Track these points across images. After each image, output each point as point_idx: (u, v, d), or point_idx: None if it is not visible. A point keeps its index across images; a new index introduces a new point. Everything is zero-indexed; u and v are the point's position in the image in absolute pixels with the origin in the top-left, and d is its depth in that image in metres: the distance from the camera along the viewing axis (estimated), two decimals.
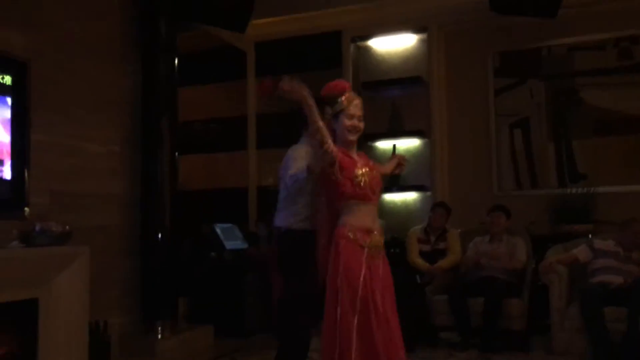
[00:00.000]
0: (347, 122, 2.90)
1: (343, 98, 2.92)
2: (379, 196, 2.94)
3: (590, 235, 5.03)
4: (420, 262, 5.07)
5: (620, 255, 4.53)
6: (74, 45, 4.31)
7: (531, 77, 5.98)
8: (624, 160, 5.60)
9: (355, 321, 2.67)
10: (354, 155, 2.93)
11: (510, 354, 4.50)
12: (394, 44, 6.45)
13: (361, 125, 2.95)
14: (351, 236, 2.77)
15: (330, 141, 2.73)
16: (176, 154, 4.99)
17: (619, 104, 5.64)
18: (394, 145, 3.02)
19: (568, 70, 5.86)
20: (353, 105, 2.94)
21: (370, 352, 2.66)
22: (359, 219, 2.81)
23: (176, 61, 5.03)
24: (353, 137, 2.93)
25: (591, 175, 5.68)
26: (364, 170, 2.84)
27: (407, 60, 6.39)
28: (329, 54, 6.45)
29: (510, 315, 4.59)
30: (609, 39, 5.72)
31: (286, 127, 6.59)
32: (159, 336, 4.56)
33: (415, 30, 6.30)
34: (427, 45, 6.24)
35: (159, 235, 4.77)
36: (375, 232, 2.85)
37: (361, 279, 2.71)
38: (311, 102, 2.72)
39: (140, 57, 4.90)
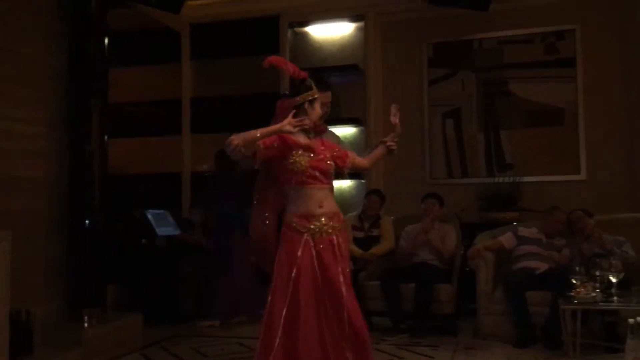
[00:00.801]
0: (320, 110, 2.85)
1: (313, 85, 2.86)
2: (328, 179, 2.81)
3: (515, 223, 5.24)
4: (353, 248, 5.12)
5: (543, 242, 4.74)
6: (1, 21, 4.06)
7: (463, 69, 6.14)
8: (549, 151, 5.85)
9: (284, 313, 2.60)
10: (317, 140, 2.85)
11: (438, 337, 4.63)
12: (332, 32, 6.46)
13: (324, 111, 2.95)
14: (291, 223, 2.72)
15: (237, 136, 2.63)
16: (106, 136, 4.81)
17: (544, 96, 5.88)
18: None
19: (498, 62, 6.05)
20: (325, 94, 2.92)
21: (291, 350, 2.57)
22: (298, 205, 2.74)
23: (107, 40, 4.83)
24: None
25: (518, 165, 5.91)
26: (300, 153, 2.73)
27: (344, 48, 6.42)
28: (266, 38, 6.39)
29: (440, 300, 4.72)
30: (536, 33, 5.95)
31: (222, 112, 6.56)
32: (85, 325, 4.42)
33: (353, 18, 6.34)
34: (364, 34, 6.28)
35: (87, 221, 4.61)
36: (323, 217, 2.73)
37: (294, 270, 2.64)
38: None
39: (68, 34, 4.69)
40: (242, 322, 5.23)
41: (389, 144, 3.03)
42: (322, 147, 2.84)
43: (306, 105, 2.80)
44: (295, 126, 2.64)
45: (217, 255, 5.37)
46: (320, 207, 2.75)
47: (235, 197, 5.26)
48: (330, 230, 2.74)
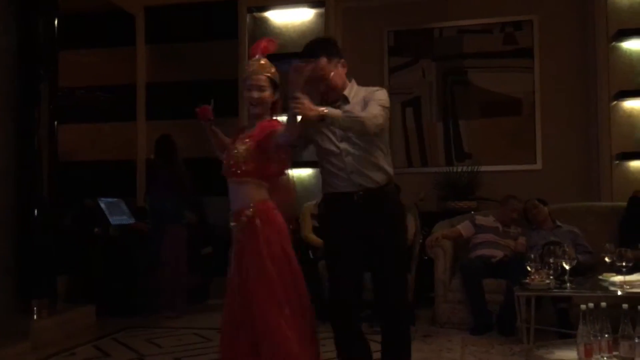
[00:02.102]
0: (246, 94, 2.67)
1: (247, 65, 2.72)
2: (247, 171, 2.56)
3: (473, 212, 5.29)
4: (313, 237, 5.08)
5: (500, 231, 4.80)
6: None
7: (424, 57, 6.14)
8: (506, 141, 5.92)
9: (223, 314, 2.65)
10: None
11: None
12: (291, 17, 6.36)
13: (256, 95, 2.64)
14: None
15: None
16: (56, 122, 4.64)
17: (503, 86, 5.94)
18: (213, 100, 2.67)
19: (457, 52, 6.07)
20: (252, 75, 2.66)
21: (223, 343, 2.61)
22: (231, 201, 2.64)
23: (57, 21, 4.64)
24: (253, 110, 2.68)
25: (476, 155, 5.96)
26: (232, 147, 2.63)
27: (305, 34, 6.31)
28: (225, 23, 6.25)
29: None
30: (495, 23, 5.98)
31: (178, 98, 6.41)
32: (35, 316, 4.28)
33: (313, 4, 6.25)
34: (324, 21, 6.21)
35: (36, 210, 4.44)
36: (244, 213, 2.56)
37: (231, 265, 2.61)
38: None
39: (16, 14, 4.48)
40: (169, 316, 5.08)
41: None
42: (246, 136, 2.64)
43: None
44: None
45: (149, 246, 5.22)
46: (237, 202, 2.61)
47: (172, 187, 5.14)
48: (245, 222, 2.56)
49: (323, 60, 2.76)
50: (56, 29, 4.64)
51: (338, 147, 2.67)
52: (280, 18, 6.38)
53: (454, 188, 5.73)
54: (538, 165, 5.83)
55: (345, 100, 2.75)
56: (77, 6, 5.83)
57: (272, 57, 5.60)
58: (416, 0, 5.85)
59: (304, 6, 6.28)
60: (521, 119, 5.91)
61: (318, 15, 6.28)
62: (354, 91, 2.82)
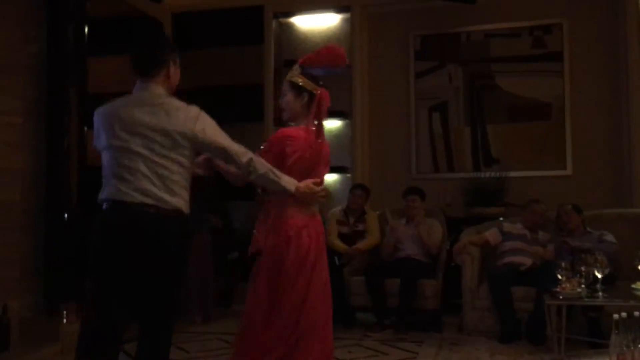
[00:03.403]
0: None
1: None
2: None
3: (501, 218, 5.21)
4: (338, 243, 5.07)
5: (527, 238, 4.72)
6: None
7: (450, 62, 6.08)
8: (535, 146, 5.82)
9: None
10: None
11: (423, 333, 4.59)
12: (317, 23, 6.37)
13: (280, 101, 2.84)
14: None
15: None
16: (85, 127, 4.69)
17: (531, 91, 5.85)
18: None
19: (485, 56, 6.00)
20: None
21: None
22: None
23: (86, 28, 4.71)
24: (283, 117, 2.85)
25: (504, 160, 5.87)
26: None
27: (330, 39, 6.31)
28: (251, 29, 6.29)
29: (425, 295, 4.67)
30: (524, 27, 5.90)
31: (204, 103, 6.44)
32: (64, 320, 4.32)
33: (338, 9, 6.25)
34: (350, 25, 6.20)
35: (65, 213, 4.50)
36: None
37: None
38: None
39: (46, 21, 4.56)
40: (194, 321, 5.10)
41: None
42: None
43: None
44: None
45: None
46: None
47: (195, 192, 5.16)
48: None
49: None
50: (85, 35, 4.71)
51: None
52: (306, 23, 6.40)
53: (482, 194, 5.65)
54: (568, 171, 5.72)
55: None
56: (106, 13, 5.91)
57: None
58: (443, 4, 5.78)
59: (329, 11, 6.28)
60: (550, 124, 5.81)
61: (344, 21, 6.28)
62: None
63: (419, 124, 6.15)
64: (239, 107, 6.09)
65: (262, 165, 2.44)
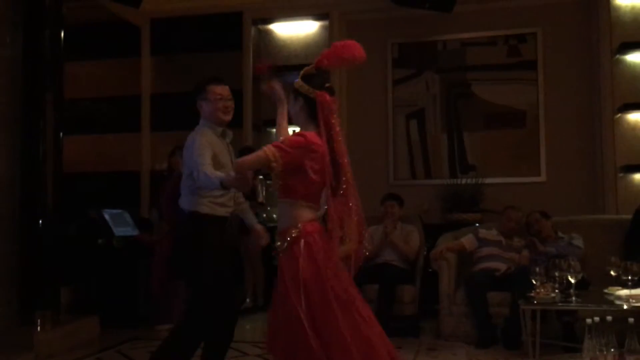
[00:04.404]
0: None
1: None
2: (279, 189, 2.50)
3: (477, 224, 5.27)
4: None
5: (503, 244, 4.78)
6: None
7: (427, 70, 6.15)
8: (510, 153, 5.91)
9: None
10: None
11: (401, 338, 4.60)
12: (296, 30, 6.39)
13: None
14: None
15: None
16: (61, 133, 4.65)
17: (506, 98, 5.94)
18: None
19: (461, 64, 6.08)
20: None
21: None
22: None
23: (62, 33, 4.67)
24: None
25: (480, 167, 5.95)
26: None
27: (309, 46, 6.36)
28: (229, 35, 6.28)
29: (403, 300, 4.70)
30: (499, 36, 6.00)
31: (182, 109, 6.41)
32: (38, 328, 4.26)
33: (317, 16, 6.28)
34: (329, 33, 6.23)
35: (40, 220, 4.44)
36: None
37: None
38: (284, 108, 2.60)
39: (22, 26, 4.51)
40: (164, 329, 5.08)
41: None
42: None
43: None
44: None
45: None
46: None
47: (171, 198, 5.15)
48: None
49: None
50: (62, 40, 4.67)
51: None
52: (285, 30, 6.42)
53: (458, 200, 5.72)
54: (542, 178, 5.82)
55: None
56: (83, 18, 5.87)
57: (277, 69, 5.65)
58: (420, 13, 5.85)
59: (308, 18, 6.31)
60: (525, 131, 5.90)
61: (322, 28, 6.32)
62: None
63: (396, 131, 6.20)
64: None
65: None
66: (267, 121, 6.17)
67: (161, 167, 6.34)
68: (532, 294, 3.68)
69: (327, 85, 2.49)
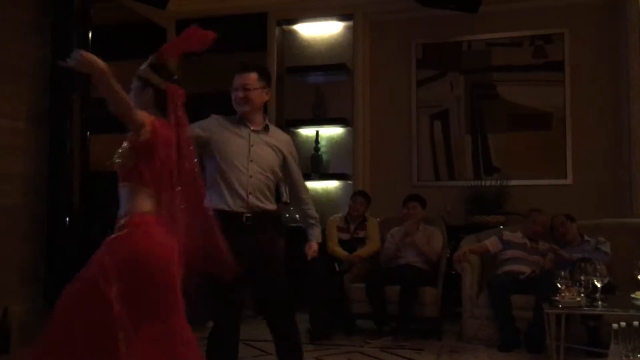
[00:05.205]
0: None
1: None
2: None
3: (501, 227, 5.22)
4: (338, 250, 5.08)
5: (527, 247, 4.73)
6: None
7: (452, 70, 6.11)
8: (535, 155, 5.83)
9: None
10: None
11: (423, 340, 4.59)
12: (320, 30, 6.40)
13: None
14: None
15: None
16: (88, 132, 4.72)
17: (532, 100, 5.87)
18: None
19: (486, 65, 6.02)
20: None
21: None
22: None
23: (90, 34, 4.74)
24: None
25: (504, 169, 5.89)
26: None
27: (333, 47, 6.36)
28: (254, 36, 6.32)
29: (425, 302, 4.68)
30: (525, 36, 5.93)
31: (206, 109, 6.47)
32: None
33: (341, 17, 6.28)
34: (353, 33, 6.23)
35: (67, 218, 4.51)
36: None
37: None
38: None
39: (51, 28, 4.59)
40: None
41: None
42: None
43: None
44: None
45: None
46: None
47: None
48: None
49: (254, 75, 2.96)
50: (89, 41, 4.74)
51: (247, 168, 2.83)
52: (309, 31, 6.43)
53: (482, 202, 5.67)
54: (568, 180, 5.73)
55: (267, 129, 2.99)
56: (110, 19, 5.95)
57: (301, 70, 5.66)
58: (444, 13, 5.81)
59: (332, 19, 6.31)
60: (551, 133, 5.82)
61: (346, 28, 6.31)
62: (273, 128, 3.07)
63: (420, 132, 6.17)
64: None
65: None
66: (289, 121, 6.19)
67: None
68: (557, 298, 3.63)
69: (174, 77, 2.47)
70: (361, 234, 5.19)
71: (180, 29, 6.50)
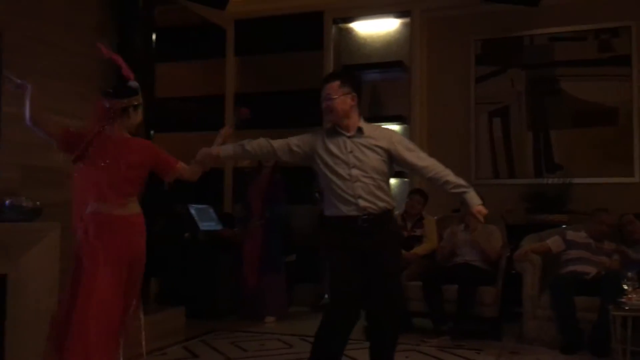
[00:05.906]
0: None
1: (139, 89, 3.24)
2: None
3: (564, 226, 5.08)
4: None
5: (592, 247, 4.59)
6: (48, 15, 4.16)
7: (512, 66, 5.99)
8: (601, 152, 5.65)
9: None
10: None
11: (481, 341, 4.53)
12: (376, 28, 6.39)
13: None
14: None
15: None
16: (152, 131, 4.88)
17: (597, 95, 5.69)
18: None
19: (548, 60, 5.87)
20: None
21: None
22: None
23: (154, 35, 4.90)
24: None
25: (567, 166, 5.73)
26: None
27: (389, 44, 6.34)
28: (311, 34, 6.37)
29: (483, 302, 4.61)
30: (589, 30, 5.75)
31: (264, 109, 6.58)
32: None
33: (398, 14, 6.25)
34: (410, 30, 6.20)
35: None
36: None
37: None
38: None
39: (117, 29, 4.77)
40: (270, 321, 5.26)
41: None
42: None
43: (131, 109, 3.04)
44: None
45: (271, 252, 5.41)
46: None
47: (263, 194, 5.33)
48: None
49: (335, 83, 2.96)
50: (153, 42, 4.90)
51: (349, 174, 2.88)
52: (366, 28, 6.43)
53: (543, 200, 5.53)
54: (636, 179, 5.52)
55: (361, 131, 2.96)
56: (173, 21, 6.14)
57: (358, 67, 5.67)
58: (504, 7, 5.70)
59: (389, 16, 6.30)
60: (617, 129, 5.63)
61: (403, 25, 6.28)
62: (369, 127, 3.01)
63: (478, 129, 6.08)
64: (298, 113, 6.18)
65: None
66: None
67: (242, 164, 6.52)
68: (624, 300, 3.52)
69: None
70: (418, 232, 5.16)
71: (239, 29, 6.70)
